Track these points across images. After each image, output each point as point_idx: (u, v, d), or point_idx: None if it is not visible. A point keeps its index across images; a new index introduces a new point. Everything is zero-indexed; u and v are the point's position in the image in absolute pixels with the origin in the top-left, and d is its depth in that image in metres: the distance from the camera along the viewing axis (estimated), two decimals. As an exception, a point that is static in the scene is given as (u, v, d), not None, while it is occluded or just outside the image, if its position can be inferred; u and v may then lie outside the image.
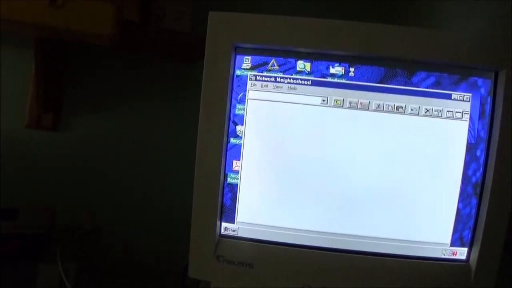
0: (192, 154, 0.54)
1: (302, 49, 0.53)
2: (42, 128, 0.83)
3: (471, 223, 0.54)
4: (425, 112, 0.53)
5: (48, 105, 0.82)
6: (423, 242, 0.55)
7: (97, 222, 0.77)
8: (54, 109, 0.84)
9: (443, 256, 0.55)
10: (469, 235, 0.55)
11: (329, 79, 0.53)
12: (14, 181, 0.83)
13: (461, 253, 0.55)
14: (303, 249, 0.55)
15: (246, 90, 0.54)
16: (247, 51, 0.54)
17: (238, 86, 0.54)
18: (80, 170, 0.86)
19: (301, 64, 0.53)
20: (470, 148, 0.53)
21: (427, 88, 0.53)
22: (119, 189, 0.88)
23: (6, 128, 0.83)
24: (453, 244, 0.55)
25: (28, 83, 0.82)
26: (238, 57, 0.54)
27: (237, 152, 0.55)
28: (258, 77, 0.54)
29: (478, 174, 0.54)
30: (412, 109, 0.53)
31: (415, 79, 0.53)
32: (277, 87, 0.54)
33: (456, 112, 0.53)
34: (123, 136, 0.87)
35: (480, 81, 0.53)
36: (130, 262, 0.87)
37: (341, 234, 0.55)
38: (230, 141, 0.55)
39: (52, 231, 0.69)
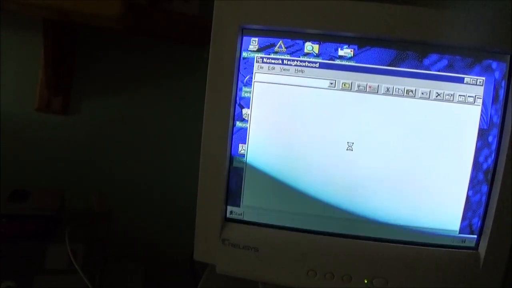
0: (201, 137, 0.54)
1: (310, 31, 0.52)
2: (52, 111, 0.84)
3: (481, 211, 0.53)
4: (436, 96, 0.52)
5: (58, 89, 0.82)
6: (432, 228, 0.54)
7: (106, 205, 0.78)
8: (64, 93, 0.84)
9: (451, 244, 0.54)
10: (479, 223, 0.54)
11: (338, 62, 0.52)
12: (25, 163, 0.85)
13: (470, 240, 0.54)
14: (309, 234, 0.55)
15: (252, 73, 0.53)
16: (254, 33, 0.53)
17: (244, 68, 0.53)
18: (90, 153, 0.87)
19: (309, 46, 0.52)
20: (482, 134, 0.52)
21: (438, 71, 0.51)
22: (128, 173, 0.88)
23: (17, 111, 0.84)
24: (462, 231, 0.54)
25: (39, 66, 0.82)
26: (245, 38, 0.53)
27: (243, 136, 0.54)
28: (265, 59, 0.53)
29: (490, 160, 0.52)
30: (422, 93, 0.52)
31: (426, 62, 0.51)
32: (284, 69, 0.53)
33: (469, 96, 0.52)
34: (133, 120, 0.87)
35: (494, 64, 0.51)
36: (138, 245, 0.88)
37: (348, 219, 0.54)
38: (236, 125, 0.54)
39: (62, 214, 0.70)
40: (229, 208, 0.56)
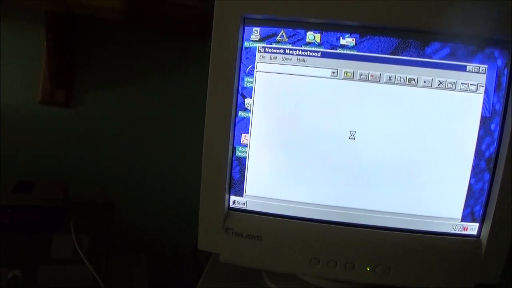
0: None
1: (312, 20, 0.52)
2: (55, 104, 0.84)
3: (483, 199, 0.54)
4: (438, 85, 0.52)
5: (60, 81, 0.82)
6: (434, 216, 0.54)
7: (110, 196, 0.78)
8: (67, 85, 0.84)
9: (453, 231, 0.54)
10: (481, 211, 0.54)
11: (339, 51, 0.52)
12: (29, 156, 0.85)
13: (472, 228, 0.54)
14: (312, 223, 0.55)
15: (254, 63, 0.53)
16: (256, 22, 0.53)
17: (246, 58, 0.53)
18: (93, 145, 0.87)
19: (310, 35, 0.52)
20: (485, 122, 0.52)
21: (441, 59, 0.51)
22: (131, 165, 0.89)
23: (20, 104, 0.84)
24: (464, 219, 0.54)
25: (42, 59, 0.82)
26: (246, 28, 0.53)
27: (245, 125, 0.54)
28: (267, 49, 0.53)
29: (492, 148, 0.53)
30: (424, 81, 0.52)
31: (428, 50, 0.51)
32: (286, 59, 0.53)
33: (471, 84, 0.52)
34: (136, 112, 0.88)
35: (497, 52, 0.51)
36: (142, 236, 0.89)
37: (351, 208, 0.55)
38: (239, 114, 0.54)
39: (66, 205, 0.71)
40: (232, 197, 0.56)
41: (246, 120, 0.54)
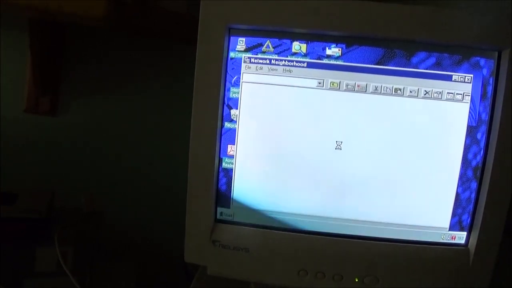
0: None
1: (297, 30, 0.51)
2: (40, 112, 0.83)
3: (470, 207, 0.54)
4: (425, 94, 0.52)
5: (46, 89, 0.81)
6: (421, 226, 0.54)
7: (97, 205, 0.77)
8: (52, 93, 0.83)
9: (441, 241, 0.54)
10: (469, 219, 0.54)
11: (325, 61, 0.52)
12: (13, 165, 0.84)
13: (460, 237, 0.54)
14: (299, 234, 0.54)
15: (240, 73, 0.53)
16: (241, 32, 0.52)
17: (232, 68, 0.53)
18: (79, 153, 0.86)
19: (296, 46, 0.52)
20: (471, 131, 0.52)
21: (427, 69, 0.51)
22: (119, 173, 0.88)
23: (5, 113, 0.82)
24: (452, 228, 0.54)
25: (26, 66, 0.81)
26: (232, 38, 0.52)
27: (231, 137, 0.54)
28: (252, 60, 0.52)
29: (479, 157, 0.53)
30: (411, 91, 0.51)
31: (414, 60, 0.51)
32: (272, 69, 0.52)
33: (457, 93, 0.52)
34: (122, 119, 0.87)
35: (482, 61, 0.51)
36: (131, 245, 0.88)
37: (338, 219, 0.54)
38: (225, 125, 0.54)
39: (51, 215, 0.70)
40: (219, 209, 0.56)
41: (232, 131, 0.54)
